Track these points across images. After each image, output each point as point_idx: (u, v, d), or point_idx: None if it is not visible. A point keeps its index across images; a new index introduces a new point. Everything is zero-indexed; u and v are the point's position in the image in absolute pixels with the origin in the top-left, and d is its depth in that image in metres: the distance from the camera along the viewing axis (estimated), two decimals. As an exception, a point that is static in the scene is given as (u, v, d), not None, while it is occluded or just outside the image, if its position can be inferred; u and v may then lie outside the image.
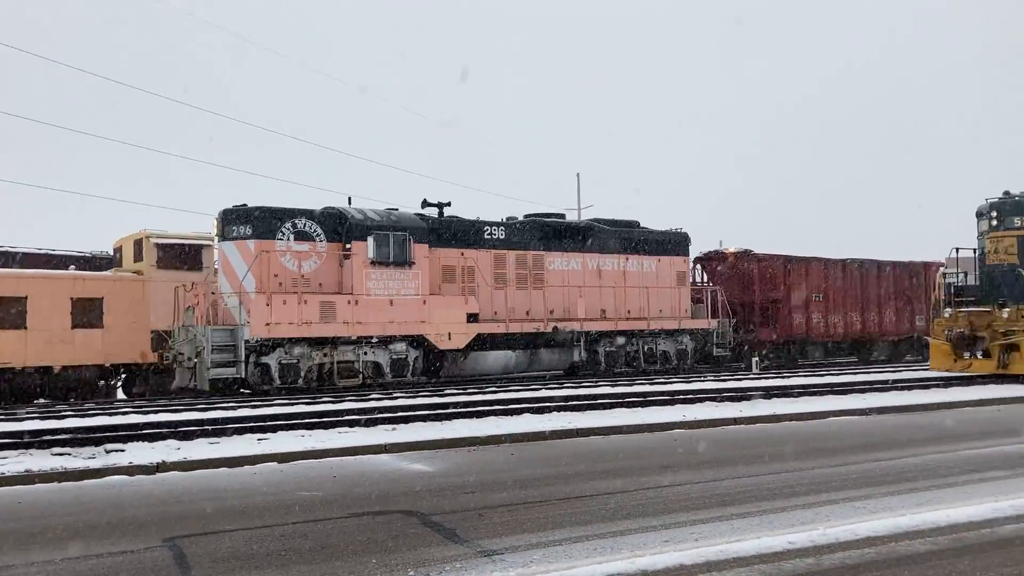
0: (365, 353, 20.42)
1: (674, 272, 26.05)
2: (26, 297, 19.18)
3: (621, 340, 24.54)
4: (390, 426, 12.85)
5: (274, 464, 10.00)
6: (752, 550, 5.77)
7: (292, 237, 19.98)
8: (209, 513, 7.51)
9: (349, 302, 20.01)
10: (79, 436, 11.42)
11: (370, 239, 20.29)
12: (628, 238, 25.27)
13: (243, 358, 18.77)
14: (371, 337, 20.39)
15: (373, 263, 20.32)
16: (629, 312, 24.75)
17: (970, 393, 17.39)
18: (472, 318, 21.70)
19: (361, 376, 20.29)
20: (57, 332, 19.39)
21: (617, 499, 7.74)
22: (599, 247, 24.62)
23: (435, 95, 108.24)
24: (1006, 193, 21.42)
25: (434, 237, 21.58)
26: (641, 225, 26.10)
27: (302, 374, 19.53)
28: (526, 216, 24.72)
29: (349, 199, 21.47)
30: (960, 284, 22.34)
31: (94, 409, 15.99)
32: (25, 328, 19.05)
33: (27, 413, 15.36)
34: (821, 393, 17.33)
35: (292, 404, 15.89)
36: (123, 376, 21.10)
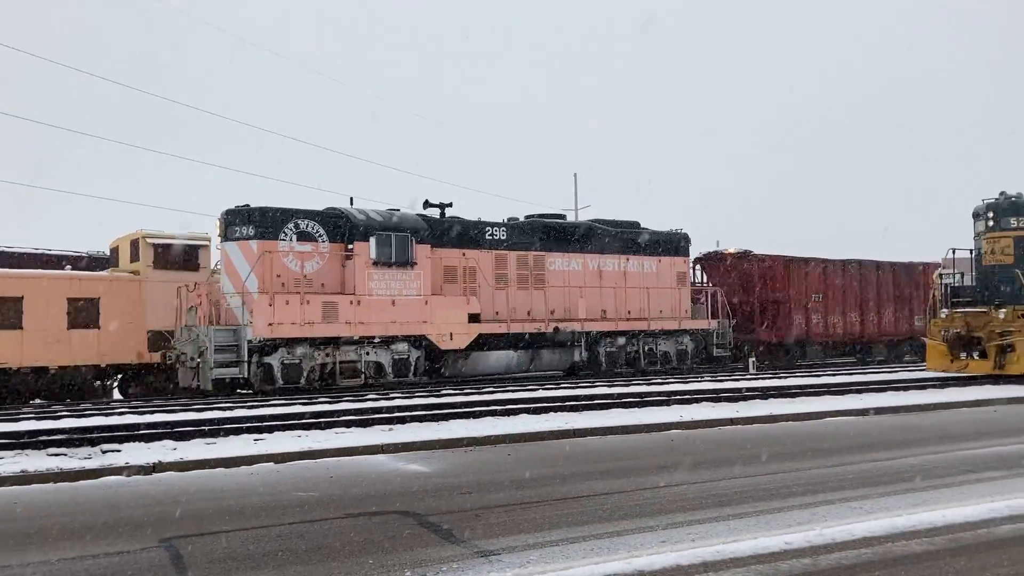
0: (367, 353, 20.45)
1: (674, 272, 26.09)
2: (22, 297, 19.15)
3: (622, 340, 24.58)
4: (387, 426, 12.85)
5: (271, 464, 9.99)
6: (749, 550, 5.77)
7: (295, 237, 20.01)
8: (205, 513, 7.50)
9: (351, 302, 20.05)
10: (75, 436, 11.39)
11: (372, 239, 20.32)
12: (628, 238, 25.30)
13: (246, 358, 18.79)
14: (373, 337, 20.42)
15: (375, 263, 20.36)
16: (629, 312, 24.80)
17: (967, 394, 17.42)
18: (474, 318, 21.74)
19: (363, 376, 20.33)
20: (53, 332, 19.36)
21: (614, 499, 7.74)
22: (600, 247, 24.66)
23: (434, 95, 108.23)
24: (1002, 194, 21.46)
25: (436, 237, 21.62)
26: (641, 226, 26.14)
27: (304, 374, 19.56)
28: (527, 217, 24.77)
29: (351, 199, 21.56)
30: (956, 285, 22.37)
31: (90, 409, 15.96)
32: (21, 328, 19.01)
33: (23, 413, 15.32)
34: (818, 393, 17.35)
35: (289, 404, 15.87)
36: (119, 376, 21.06)
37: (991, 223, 21.18)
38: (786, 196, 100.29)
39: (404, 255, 20.71)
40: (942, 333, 21.29)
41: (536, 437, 11.88)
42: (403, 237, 20.73)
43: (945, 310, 21.60)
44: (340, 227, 20.60)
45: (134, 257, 21.06)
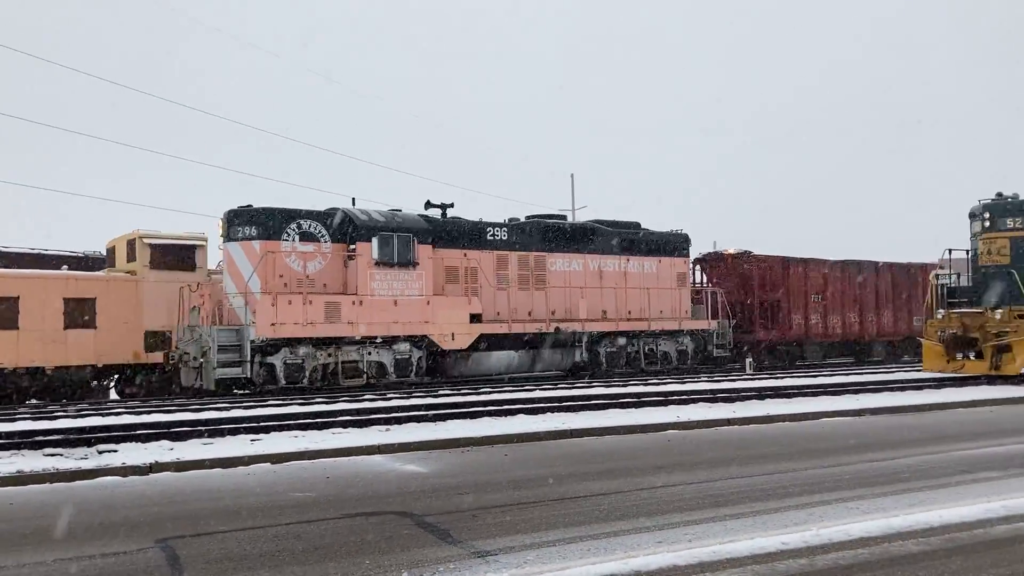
0: (369, 353, 20.49)
1: (674, 273, 26.15)
2: (18, 297, 19.12)
3: (622, 341, 24.63)
4: (384, 427, 12.85)
5: (268, 465, 9.99)
6: (745, 551, 5.78)
7: (297, 238, 20.04)
8: (202, 514, 7.49)
9: (353, 302, 20.10)
10: (71, 437, 11.38)
11: (374, 240, 20.36)
12: (629, 239, 25.36)
13: (249, 358, 18.82)
14: (375, 337, 20.46)
15: (377, 264, 20.40)
16: (630, 313, 24.85)
17: (963, 394, 17.45)
18: (475, 318, 21.79)
19: (365, 376, 20.36)
20: (49, 332, 19.33)
21: (611, 500, 7.74)
22: (600, 248, 24.71)
23: (433, 96, 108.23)
24: (998, 194, 21.50)
25: (437, 238, 21.66)
26: (642, 226, 26.19)
27: (307, 374, 19.59)
28: (528, 217, 24.82)
29: (353, 200, 21.59)
30: (953, 285, 22.40)
31: (86, 410, 15.94)
32: (17, 328, 18.98)
33: (19, 414, 15.30)
34: (815, 394, 17.37)
35: (286, 405, 15.87)
36: (116, 376, 21.03)
37: (987, 224, 21.22)
38: (785, 196, 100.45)
39: (406, 255, 20.75)
40: (938, 334, 21.33)
41: (533, 437, 11.88)
42: (405, 237, 20.77)
43: (941, 311, 21.63)
44: (342, 227, 20.64)
45: (131, 257, 21.04)
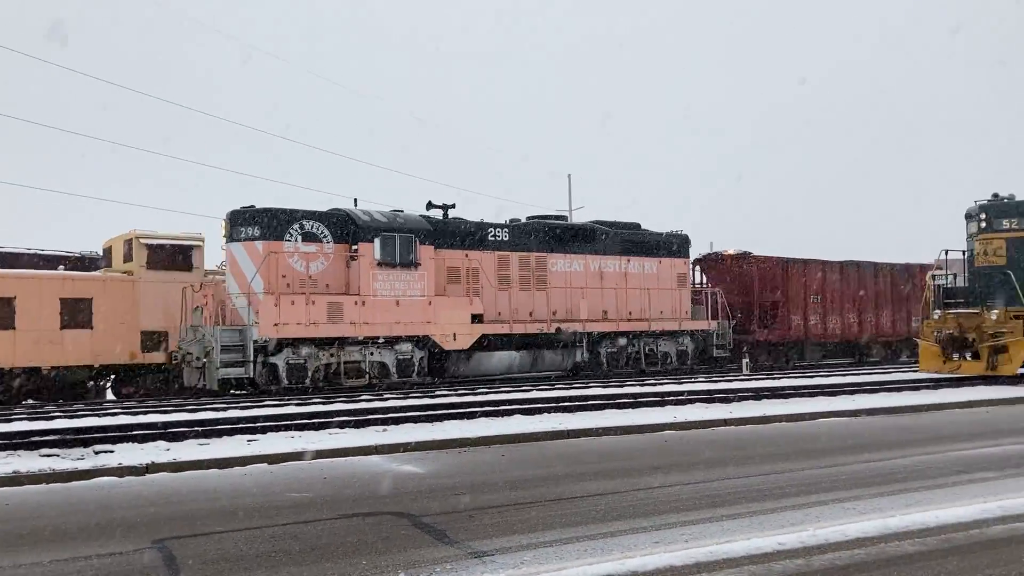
0: (371, 353, 20.52)
1: (674, 274, 26.21)
2: (14, 297, 19.08)
3: (623, 341, 24.68)
4: (381, 427, 12.85)
5: (264, 465, 9.98)
6: (742, 551, 5.79)
7: (300, 238, 20.07)
8: (199, 514, 7.48)
9: (356, 303, 20.13)
10: (68, 437, 11.36)
11: (377, 240, 20.41)
12: (629, 240, 25.41)
13: (252, 358, 18.85)
14: (377, 338, 20.49)
15: (379, 264, 20.44)
16: (630, 313, 24.91)
17: (959, 395, 17.48)
18: (476, 319, 21.83)
19: (367, 376, 20.39)
20: (46, 332, 19.29)
21: (608, 500, 7.75)
22: (601, 249, 24.76)
23: (431, 96, 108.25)
24: (995, 195, 21.54)
25: (439, 238, 21.71)
26: (642, 227, 26.25)
27: (309, 374, 19.63)
28: (529, 218, 24.88)
29: (355, 200, 21.64)
30: (949, 286, 22.45)
31: (83, 410, 15.92)
32: (13, 328, 18.94)
33: (16, 414, 15.27)
34: (811, 394, 17.38)
35: (283, 405, 15.86)
36: (112, 377, 21.00)
37: (983, 224, 21.25)
38: (784, 197, 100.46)
39: (408, 256, 20.79)
40: (935, 334, 21.36)
41: (530, 438, 11.89)
42: (407, 238, 20.81)
43: (938, 311, 21.67)
44: (345, 228, 20.68)
45: (127, 257, 21.00)
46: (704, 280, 28.82)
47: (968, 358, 20.70)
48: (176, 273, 20.76)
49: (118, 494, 8.49)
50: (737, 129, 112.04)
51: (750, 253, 28.71)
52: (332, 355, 19.97)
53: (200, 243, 21.47)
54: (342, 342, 20.03)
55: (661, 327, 25.31)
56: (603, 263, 24.68)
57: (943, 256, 21.96)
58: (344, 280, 20.59)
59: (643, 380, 21.96)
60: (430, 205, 22.74)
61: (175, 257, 21.05)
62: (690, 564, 5.51)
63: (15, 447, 10.83)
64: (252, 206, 20.00)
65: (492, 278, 22.61)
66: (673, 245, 26.30)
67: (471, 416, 13.90)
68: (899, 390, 18.55)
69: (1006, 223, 21.00)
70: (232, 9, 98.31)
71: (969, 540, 6.18)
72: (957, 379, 20.34)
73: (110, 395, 21.10)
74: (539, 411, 14.45)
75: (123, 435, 11.58)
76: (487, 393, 18.22)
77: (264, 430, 12.32)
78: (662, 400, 16.00)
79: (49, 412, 15.70)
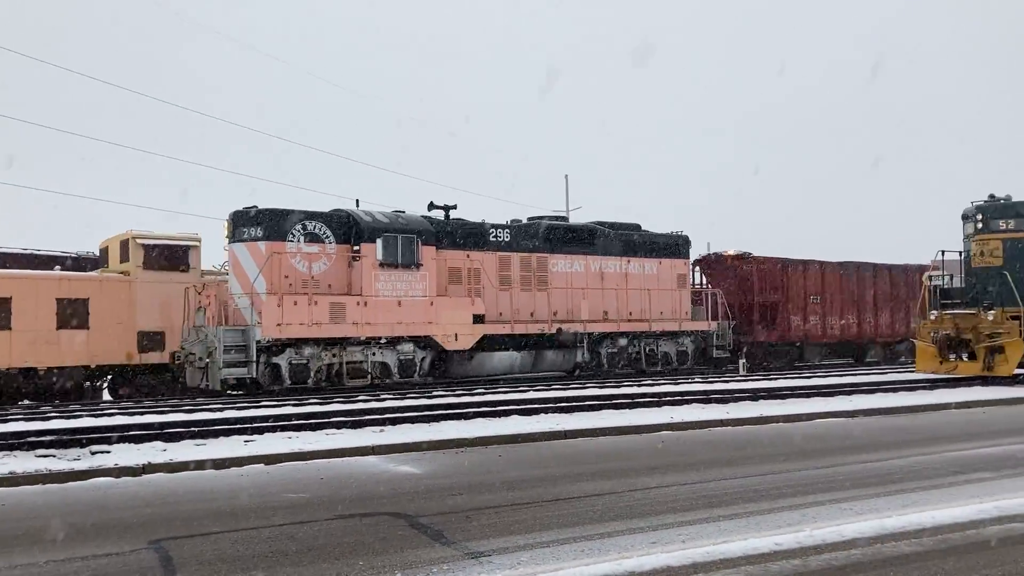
0: (374, 354, 20.55)
1: (675, 274, 26.26)
2: (10, 298, 19.03)
3: (623, 341, 24.72)
4: (378, 428, 12.84)
5: (261, 466, 9.97)
6: (739, 551, 5.79)
7: (302, 239, 20.09)
8: (195, 515, 7.47)
9: (358, 303, 20.16)
10: (64, 438, 11.33)
11: (379, 241, 20.44)
12: (630, 241, 25.46)
13: (255, 358, 18.88)
14: (380, 338, 20.52)
15: (382, 264, 20.48)
16: (631, 314, 24.95)
17: (955, 395, 17.51)
18: (478, 319, 21.86)
19: (370, 376, 20.41)
20: (42, 333, 19.25)
21: (605, 501, 7.75)
22: (601, 250, 24.81)
23: (431, 97, 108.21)
24: (991, 196, 21.57)
25: (441, 239, 21.75)
26: (642, 228, 26.29)
27: (312, 374, 19.66)
28: (530, 219, 24.95)
29: (357, 201, 21.68)
30: (946, 287, 22.48)
31: (79, 410, 15.89)
32: (9, 329, 18.90)
33: (12, 415, 15.24)
34: (808, 395, 17.39)
35: (279, 406, 15.84)
36: (109, 377, 20.97)
37: (980, 225, 21.29)
38: (783, 197, 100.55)
39: (410, 256, 20.83)
40: (931, 335, 21.39)
41: (527, 438, 11.88)
42: (409, 238, 20.85)
43: (934, 312, 21.70)
44: (347, 229, 20.72)
45: (124, 258, 20.97)
46: (704, 281, 28.87)
47: (965, 359, 20.74)
48: (173, 273, 20.74)
49: (114, 495, 8.48)
50: (736, 129, 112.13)
51: (750, 254, 28.78)
52: (334, 355, 20.02)
53: (197, 243, 21.44)
54: (344, 342, 20.07)
55: (661, 328, 25.35)
56: (604, 264, 24.73)
57: (940, 257, 21.99)
58: (346, 280, 20.62)
59: (640, 381, 21.98)
60: (431, 206, 22.78)
61: (172, 257, 21.02)
62: (687, 564, 5.51)
63: (11, 447, 10.80)
64: (255, 206, 20.03)
65: (493, 278, 22.65)
66: (673, 246, 26.35)
67: (468, 417, 13.89)
68: (896, 391, 18.57)
69: (1002, 224, 21.04)
70: (231, 10, 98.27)
71: (965, 540, 6.19)
72: (954, 380, 20.37)
73: (106, 395, 21.07)
74: (536, 412, 14.45)
75: (119, 435, 11.55)
76: (484, 394, 18.22)
77: (261, 431, 12.31)
78: (659, 401, 16.01)
79: (45, 412, 15.67)
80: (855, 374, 24.40)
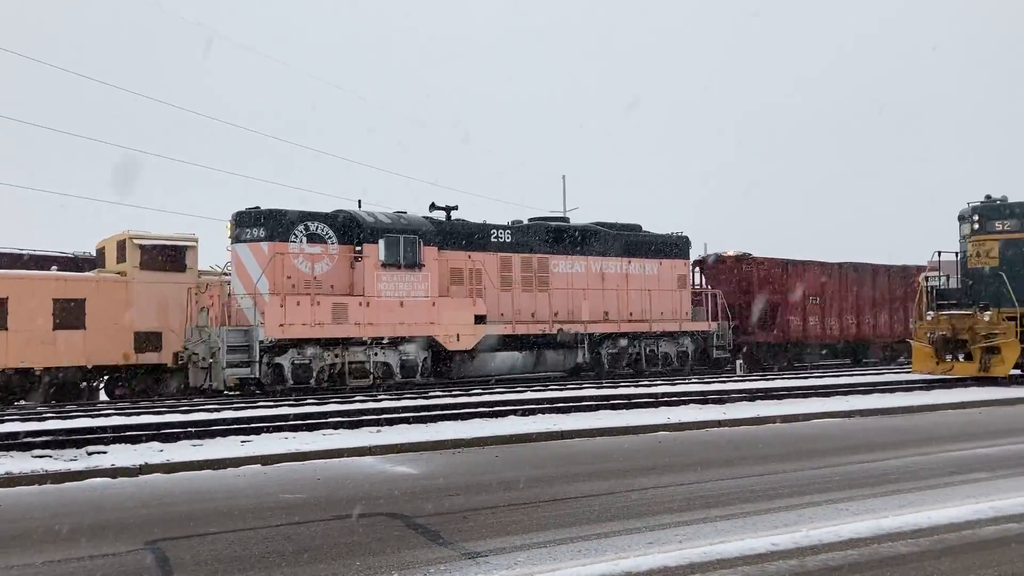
0: (376, 354, 20.59)
1: (675, 275, 26.31)
2: (7, 298, 19.00)
3: (624, 342, 24.77)
4: (374, 428, 12.83)
5: (258, 466, 9.97)
6: (735, 552, 5.79)
7: (305, 239, 20.15)
8: (192, 515, 7.47)
9: (360, 303, 20.20)
10: (60, 438, 11.31)
11: (381, 242, 20.49)
12: (630, 241, 25.51)
13: (258, 358, 18.92)
14: (382, 338, 20.56)
15: (384, 265, 20.53)
16: (631, 314, 25.00)
17: (952, 396, 17.53)
18: (480, 320, 21.91)
19: (372, 377, 20.43)
20: (39, 333, 19.23)
21: (601, 501, 7.75)
22: (602, 250, 24.86)
23: (431, 97, 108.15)
24: (987, 197, 21.62)
25: (442, 240, 21.80)
26: (643, 229, 26.33)
27: (314, 374, 19.70)
28: (531, 219, 25.01)
29: (359, 202, 21.73)
30: (942, 287, 22.51)
31: (76, 411, 15.87)
32: (6, 329, 18.87)
33: (8, 415, 15.21)
34: (804, 395, 17.41)
35: (276, 406, 15.82)
36: (105, 378, 20.95)
37: (976, 226, 21.33)
38: (783, 198, 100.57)
39: (412, 257, 20.88)
40: (928, 335, 21.42)
41: (524, 439, 11.89)
42: (411, 239, 20.89)
43: (931, 312, 21.73)
44: (349, 229, 20.76)
45: (121, 258, 20.95)
46: (704, 281, 28.93)
47: (961, 359, 20.78)
48: (170, 274, 20.73)
49: (111, 495, 8.47)
50: (735, 129, 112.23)
51: (750, 255, 28.86)
52: (337, 356, 20.08)
53: (194, 244, 21.42)
54: (347, 343, 20.13)
55: (662, 328, 25.40)
56: (604, 264, 24.81)
57: (936, 257, 22.04)
58: (349, 281, 20.67)
59: (637, 381, 21.99)
60: (433, 207, 22.85)
61: (168, 258, 21.00)
62: (684, 565, 5.51)
63: (7, 448, 10.78)
64: (257, 207, 20.09)
65: (495, 279, 22.71)
66: (674, 247, 26.42)
67: (465, 417, 13.89)
68: (893, 391, 18.60)
69: (999, 225, 21.08)
70: (230, 10, 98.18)
71: (962, 541, 6.20)
72: (950, 380, 20.40)
73: (103, 396, 21.04)
74: (533, 412, 14.46)
75: (116, 436, 11.54)
76: (481, 394, 18.22)
77: (258, 431, 12.30)
78: (656, 401, 16.02)
79: (41, 413, 15.64)
80: (852, 374, 24.43)
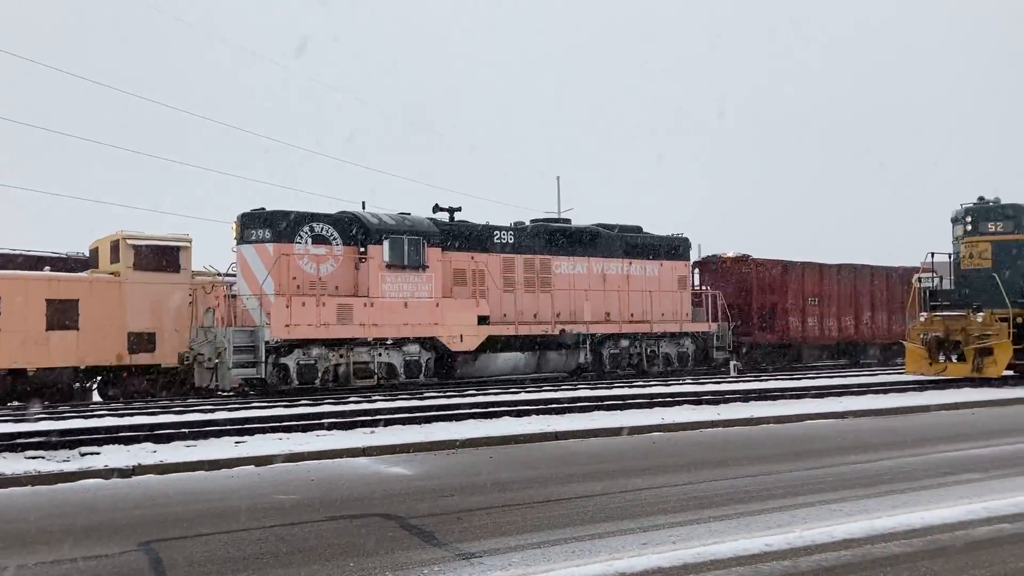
0: (380, 355, 20.63)
1: (675, 276, 26.40)
2: None
3: (625, 343, 24.84)
4: (369, 429, 12.81)
5: (251, 467, 9.95)
6: (729, 552, 5.80)
7: (310, 240, 20.18)
8: (186, 516, 7.45)
9: (365, 304, 20.26)
10: (53, 439, 11.27)
11: (385, 243, 20.54)
12: (631, 243, 25.59)
13: (263, 359, 18.95)
14: (386, 339, 20.61)
15: (388, 266, 20.58)
16: (632, 315, 25.08)
17: (945, 396, 17.58)
18: (483, 320, 21.97)
19: (376, 377, 20.46)
20: (31, 334, 19.15)
21: (595, 502, 7.75)
22: (603, 252, 24.94)
23: (429, 98, 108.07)
24: (980, 199, 21.70)
25: (446, 241, 21.87)
26: (643, 230, 26.43)
27: (319, 375, 19.73)
28: (533, 221, 25.11)
29: (363, 203, 21.81)
30: (935, 288, 22.58)
31: (69, 412, 15.82)
32: (-1, 330, 18.79)
33: (0, 416, 15.16)
34: (798, 396, 17.45)
35: (270, 407, 15.81)
36: (99, 378, 20.88)
37: (969, 228, 21.40)
38: (781, 198, 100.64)
39: (416, 258, 20.94)
40: (921, 336, 21.48)
41: (519, 440, 11.89)
42: (415, 240, 20.95)
43: (924, 313, 21.80)
44: (353, 230, 20.80)
45: (114, 258, 20.88)
46: (703, 282, 29.03)
47: (954, 360, 20.84)
48: (163, 274, 20.68)
49: (104, 496, 8.44)
50: (733, 129, 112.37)
51: (749, 256, 28.99)
52: (341, 356, 20.13)
53: (188, 244, 21.37)
54: (351, 343, 20.17)
55: (662, 329, 25.48)
56: (606, 266, 24.90)
57: (929, 258, 22.10)
58: (353, 282, 20.72)
59: (632, 382, 22.04)
60: (437, 208, 22.93)
61: (162, 258, 20.95)
62: (677, 565, 5.52)
63: (0, 449, 10.74)
64: (263, 208, 20.12)
65: (498, 280, 22.79)
66: (674, 248, 26.52)
67: (459, 418, 13.89)
68: (886, 392, 18.65)
69: (991, 226, 21.16)
70: (230, 12, 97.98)
71: (955, 541, 6.22)
72: (943, 381, 20.46)
73: (96, 397, 20.97)
74: (528, 413, 14.46)
75: (109, 437, 11.51)
76: (476, 395, 18.23)
77: (252, 432, 12.28)
78: (651, 402, 16.03)
79: (34, 414, 15.58)
80: (846, 375, 24.50)
